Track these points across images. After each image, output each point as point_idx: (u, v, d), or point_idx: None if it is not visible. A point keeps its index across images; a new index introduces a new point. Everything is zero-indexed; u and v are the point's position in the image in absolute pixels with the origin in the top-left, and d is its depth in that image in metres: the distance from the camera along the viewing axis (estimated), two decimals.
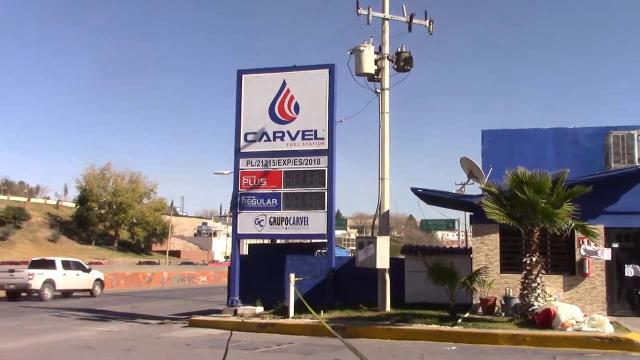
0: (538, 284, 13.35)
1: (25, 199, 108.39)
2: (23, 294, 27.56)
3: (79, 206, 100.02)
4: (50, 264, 28.94)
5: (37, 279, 27.21)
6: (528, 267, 13.43)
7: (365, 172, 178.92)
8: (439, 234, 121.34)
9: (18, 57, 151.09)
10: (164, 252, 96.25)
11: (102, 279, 32.32)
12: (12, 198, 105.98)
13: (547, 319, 12.43)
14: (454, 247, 30.96)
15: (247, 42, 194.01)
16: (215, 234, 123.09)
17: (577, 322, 12.24)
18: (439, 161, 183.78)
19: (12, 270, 28.07)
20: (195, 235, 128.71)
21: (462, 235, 63.25)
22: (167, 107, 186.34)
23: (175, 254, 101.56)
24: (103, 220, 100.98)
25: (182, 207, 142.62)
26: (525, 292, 13.39)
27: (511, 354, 10.99)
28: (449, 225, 60.84)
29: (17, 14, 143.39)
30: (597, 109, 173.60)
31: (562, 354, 10.77)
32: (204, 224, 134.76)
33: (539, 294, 13.28)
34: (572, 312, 12.42)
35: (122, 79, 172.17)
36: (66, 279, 29.02)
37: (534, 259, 13.37)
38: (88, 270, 30.92)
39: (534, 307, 13.14)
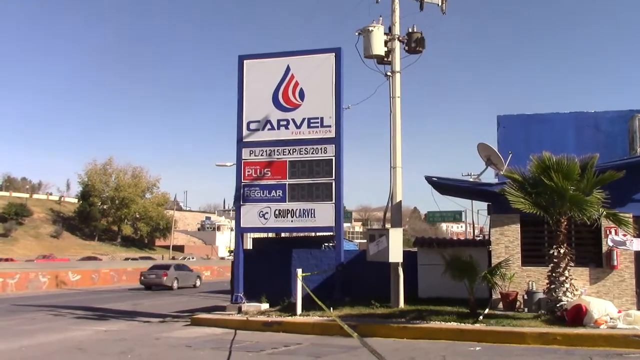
0: (566, 278, 12.39)
1: (27, 195, 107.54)
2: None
3: (81, 202, 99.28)
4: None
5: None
6: (555, 260, 12.46)
7: (368, 163, 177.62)
8: (444, 226, 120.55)
9: (13, 51, 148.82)
10: (167, 247, 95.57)
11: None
12: (14, 194, 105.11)
13: (577, 315, 11.47)
14: (469, 238, 29.99)
15: (250, 26, 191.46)
16: (219, 229, 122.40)
17: (611, 318, 11.31)
18: (446, 151, 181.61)
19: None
20: (198, 229, 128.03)
21: (470, 226, 62.27)
22: (167, 97, 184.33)
23: (179, 248, 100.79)
24: (106, 215, 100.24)
25: (185, 202, 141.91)
26: (553, 286, 12.42)
27: (542, 355, 10.04)
28: (456, 216, 60.02)
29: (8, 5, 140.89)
30: (620, 94, 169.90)
31: (599, 355, 9.82)
32: (208, 218, 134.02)
33: (567, 289, 12.32)
34: (606, 308, 11.47)
35: (121, 70, 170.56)
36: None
37: (561, 251, 12.40)
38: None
39: (562, 303, 12.19)
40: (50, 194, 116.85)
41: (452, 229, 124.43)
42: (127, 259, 65.38)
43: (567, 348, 10.53)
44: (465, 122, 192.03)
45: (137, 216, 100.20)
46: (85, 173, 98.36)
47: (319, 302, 11.52)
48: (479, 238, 28.00)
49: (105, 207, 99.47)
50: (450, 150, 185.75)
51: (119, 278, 40.80)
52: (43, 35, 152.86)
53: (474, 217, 56.38)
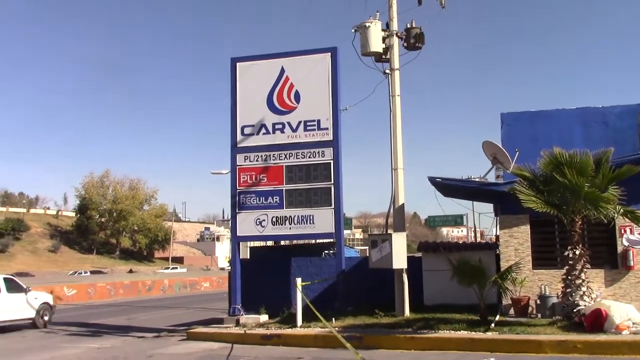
0: (583, 281, 11.65)
1: (24, 210, 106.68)
2: None
3: (78, 215, 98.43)
4: None
5: None
6: (571, 262, 11.73)
7: (367, 167, 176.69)
8: (444, 230, 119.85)
9: (3, 64, 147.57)
10: (166, 259, 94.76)
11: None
12: (12, 209, 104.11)
13: (597, 320, 10.72)
14: (475, 242, 29.25)
15: (242, 28, 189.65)
16: (218, 239, 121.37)
17: (633, 323, 10.58)
18: (444, 154, 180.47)
19: None
20: (198, 240, 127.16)
21: (471, 230, 61.48)
22: (162, 106, 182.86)
23: (178, 260, 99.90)
24: (104, 228, 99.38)
25: (184, 213, 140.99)
26: (569, 290, 11.68)
27: None
28: (457, 220, 59.38)
29: None
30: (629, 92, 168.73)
31: None
32: (207, 228, 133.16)
33: (584, 292, 11.58)
34: (627, 312, 10.73)
35: (113, 81, 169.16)
36: None
37: (577, 252, 11.67)
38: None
39: (580, 307, 11.44)
40: (48, 209, 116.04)
41: (453, 234, 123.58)
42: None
43: (588, 357, 9.81)
44: (465, 124, 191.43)
45: (136, 228, 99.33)
46: (83, 186, 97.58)
47: (318, 314, 10.80)
48: (483, 242, 27.21)
49: (103, 220, 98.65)
50: (449, 152, 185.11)
51: (116, 292, 40.00)
52: (33, 48, 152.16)
53: (476, 220, 55.78)
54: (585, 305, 11.45)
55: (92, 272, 66.53)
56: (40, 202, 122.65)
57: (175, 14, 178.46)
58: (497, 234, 15.83)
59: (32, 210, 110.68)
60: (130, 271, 71.72)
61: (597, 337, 10.28)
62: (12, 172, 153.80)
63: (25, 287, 20.66)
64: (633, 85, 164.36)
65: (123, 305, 32.69)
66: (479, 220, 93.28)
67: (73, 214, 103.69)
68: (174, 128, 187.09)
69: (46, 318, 20.65)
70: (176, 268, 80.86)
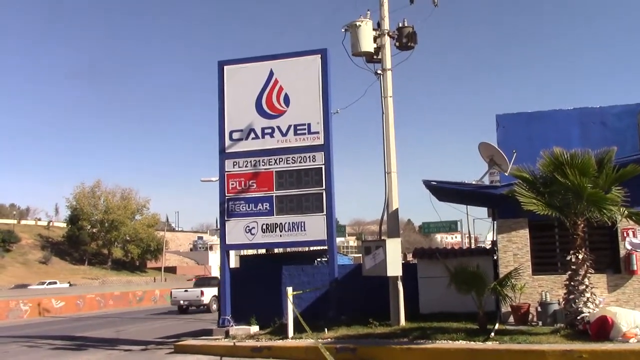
0: (587, 286, 11.13)
1: (15, 221, 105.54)
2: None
3: (70, 226, 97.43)
4: None
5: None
6: (573, 267, 11.21)
7: (360, 174, 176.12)
8: (438, 237, 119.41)
9: None
10: (159, 269, 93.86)
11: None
12: (2, 221, 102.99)
13: (603, 328, 10.20)
14: (472, 247, 28.76)
15: (230, 31, 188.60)
16: (211, 248, 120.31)
17: None
18: (437, 159, 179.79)
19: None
20: (191, 250, 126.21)
21: (466, 236, 61.02)
22: (152, 114, 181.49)
23: (171, 270, 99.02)
24: (95, 239, 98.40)
25: (177, 222, 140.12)
26: (572, 296, 11.14)
27: None
28: (452, 226, 58.87)
29: None
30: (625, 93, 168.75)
31: None
32: (200, 238, 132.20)
33: (588, 298, 11.05)
34: (635, 319, 10.19)
35: (102, 88, 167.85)
36: None
37: (580, 256, 11.15)
38: None
39: (584, 315, 10.91)
40: (39, 220, 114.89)
41: (447, 240, 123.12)
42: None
43: None
44: (459, 127, 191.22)
45: (128, 238, 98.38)
46: (74, 197, 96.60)
47: (305, 325, 10.25)
48: (481, 247, 26.72)
49: (94, 230, 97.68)
50: (443, 157, 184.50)
51: (105, 303, 39.27)
52: (20, 57, 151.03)
53: (470, 226, 55.18)
54: (589, 312, 10.92)
55: (17, 286, 58.66)
56: (31, 213, 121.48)
57: (164, 20, 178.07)
58: (494, 239, 15.35)
59: (23, 222, 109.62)
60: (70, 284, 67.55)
61: (603, 346, 9.74)
62: (3, 183, 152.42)
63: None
64: (633, 85, 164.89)
65: (112, 316, 32.00)
66: (474, 225, 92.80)
67: (64, 225, 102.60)
68: (166, 136, 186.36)
69: (214, 306, 31.16)
70: (55, 283, 66.39)
